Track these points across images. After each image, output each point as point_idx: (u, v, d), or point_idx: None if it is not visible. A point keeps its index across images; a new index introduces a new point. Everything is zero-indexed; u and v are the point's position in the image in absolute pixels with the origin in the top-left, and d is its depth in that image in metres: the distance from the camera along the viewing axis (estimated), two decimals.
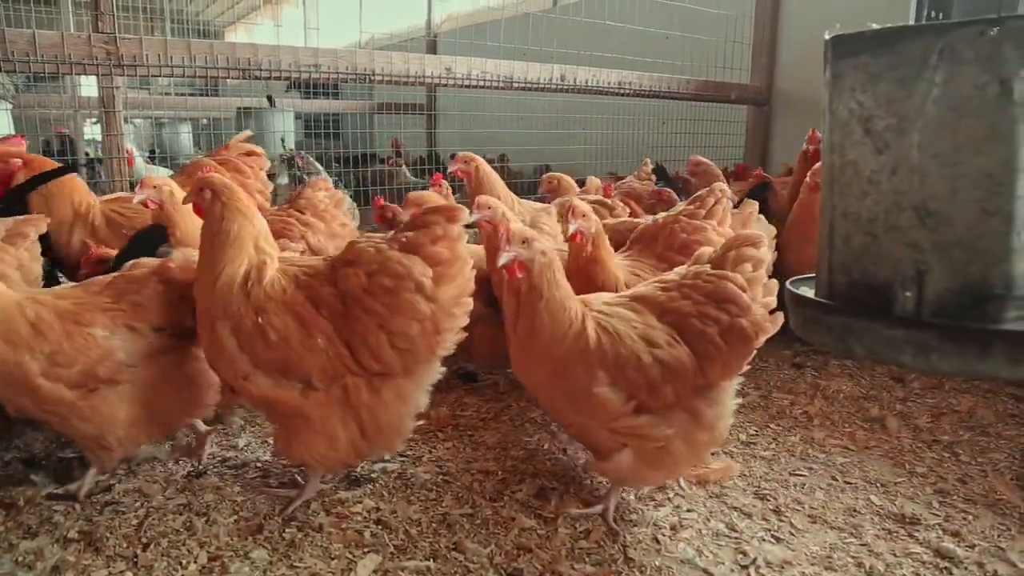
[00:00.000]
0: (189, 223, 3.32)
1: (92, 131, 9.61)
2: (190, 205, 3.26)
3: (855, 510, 2.58)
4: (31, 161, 3.69)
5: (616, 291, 2.84)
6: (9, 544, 2.30)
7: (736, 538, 2.40)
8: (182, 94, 10.03)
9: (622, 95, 6.40)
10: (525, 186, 7.64)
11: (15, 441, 2.95)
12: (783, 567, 2.25)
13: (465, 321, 2.47)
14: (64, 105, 8.55)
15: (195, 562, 2.22)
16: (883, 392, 3.66)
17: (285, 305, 2.37)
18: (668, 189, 5.01)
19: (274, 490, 2.65)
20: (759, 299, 2.38)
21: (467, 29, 10.28)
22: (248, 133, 4.53)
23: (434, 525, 2.43)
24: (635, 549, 2.33)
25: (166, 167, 8.11)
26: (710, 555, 2.31)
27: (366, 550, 2.29)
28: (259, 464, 2.86)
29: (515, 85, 5.71)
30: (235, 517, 2.47)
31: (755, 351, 2.36)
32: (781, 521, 2.51)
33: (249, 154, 4.29)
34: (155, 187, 3.28)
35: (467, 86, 5.50)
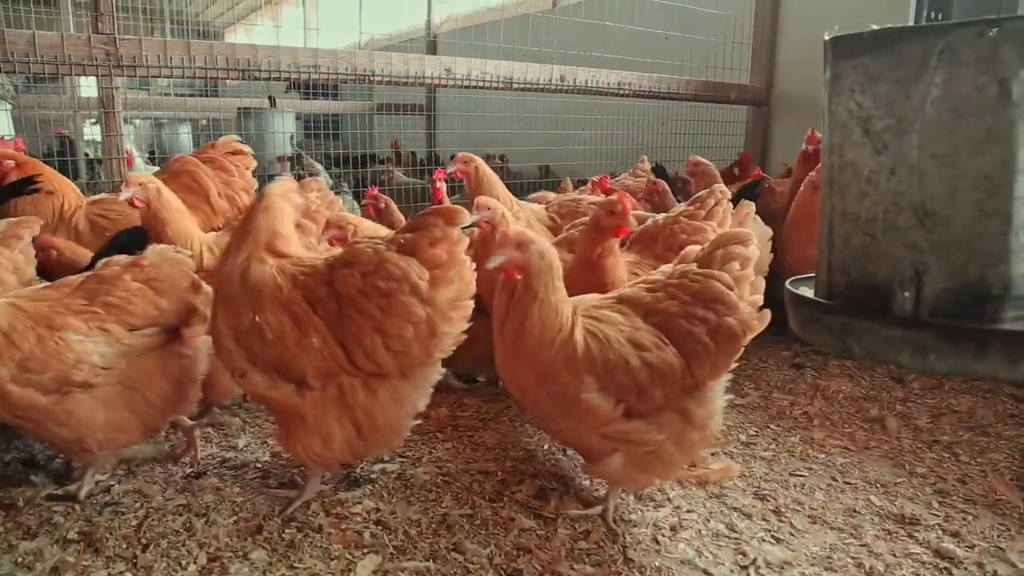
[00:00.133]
0: (180, 222, 3.32)
1: (92, 132, 9.62)
2: (179, 203, 3.25)
3: (855, 510, 2.58)
4: (24, 164, 3.67)
5: None
6: (9, 545, 2.30)
7: (736, 539, 2.40)
8: (182, 95, 10.03)
9: (622, 96, 6.40)
10: (525, 186, 7.64)
11: (15, 442, 2.95)
12: (783, 568, 2.25)
13: (464, 325, 2.44)
14: (64, 106, 8.56)
15: (195, 563, 2.22)
16: (883, 392, 3.66)
17: (281, 304, 2.37)
18: (661, 180, 5.02)
19: (274, 491, 2.65)
20: (746, 297, 2.37)
21: (467, 30, 10.28)
22: (234, 138, 4.52)
23: (434, 526, 2.43)
24: (635, 550, 2.33)
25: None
26: (710, 556, 2.31)
27: (366, 551, 2.29)
28: (259, 465, 2.86)
29: (515, 86, 5.71)
30: (234, 518, 2.47)
31: (743, 348, 2.35)
32: (781, 522, 2.51)
33: (235, 153, 4.27)
34: (140, 185, 3.23)
35: (467, 87, 5.50)
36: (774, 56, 7.18)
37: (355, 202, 6.22)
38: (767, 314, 2.38)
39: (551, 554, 2.28)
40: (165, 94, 10.04)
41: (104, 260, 2.67)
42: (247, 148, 4.35)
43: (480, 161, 4.10)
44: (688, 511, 2.56)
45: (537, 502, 2.59)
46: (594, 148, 7.63)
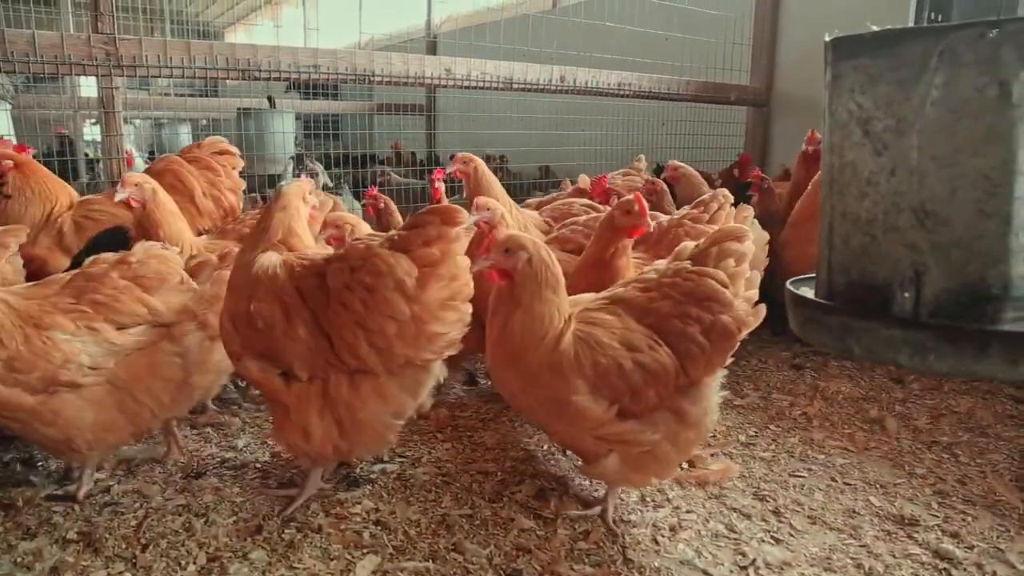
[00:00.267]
0: (173, 224, 3.27)
1: (92, 132, 9.61)
2: (173, 205, 3.24)
3: (854, 511, 2.58)
4: (22, 164, 3.63)
5: None
6: (8, 545, 2.30)
7: (735, 539, 2.40)
8: (182, 95, 10.02)
9: (622, 96, 6.40)
10: (525, 187, 7.65)
11: (14, 442, 2.95)
12: (782, 568, 2.25)
13: (459, 327, 2.43)
14: (64, 106, 8.55)
15: (194, 563, 2.22)
16: (882, 393, 3.66)
17: (275, 293, 2.41)
18: (660, 180, 5.02)
19: (274, 491, 2.65)
20: (741, 293, 2.37)
21: (467, 30, 10.28)
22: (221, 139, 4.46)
23: (433, 526, 2.43)
24: (634, 550, 2.33)
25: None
26: (709, 556, 2.31)
27: (365, 551, 2.29)
28: (258, 465, 2.86)
29: (515, 86, 5.70)
30: (234, 518, 2.47)
31: (738, 344, 2.35)
32: (780, 522, 2.51)
33: (222, 152, 4.22)
34: (137, 185, 3.19)
35: (467, 87, 5.50)
36: (774, 57, 7.18)
37: (355, 202, 6.22)
38: (762, 309, 2.37)
39: (551, 554, 2.28)
40: (165, 94, 10.03)
41: (92, 258, 2.64)
42: (234, 148, 4.30)
43: (480, 161, 4.09)
44: (687, 511, 2.56)
45: (537, 502, 2.59)
46: (594, 149, 7.63)
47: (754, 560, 2.28)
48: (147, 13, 10.22)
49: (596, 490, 2.68)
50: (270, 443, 3.03)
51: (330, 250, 3.45)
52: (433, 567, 2.22)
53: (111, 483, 2.68)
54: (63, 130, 8.98)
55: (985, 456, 2.99)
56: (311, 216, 3.37)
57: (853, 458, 2.98)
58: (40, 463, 2.85)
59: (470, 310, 2.46)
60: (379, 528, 2.42)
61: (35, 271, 3.21)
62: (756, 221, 3.78)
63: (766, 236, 3.71)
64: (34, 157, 4.15)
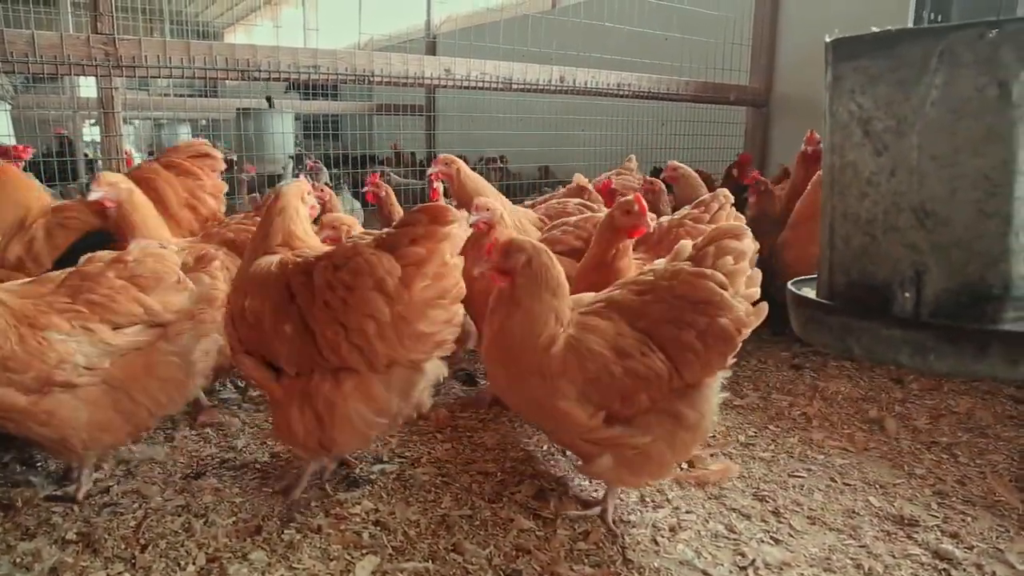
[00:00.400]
0: (151, 226, 3.21)
1: (91, 132, 9.62)
2: (151, 206, 3.23)
3: (854, 511, 2.58)
4: (2, 171, 3.52)
5: None
6: (7, 546, 2.29)
7: (735, 539, 2.40)
8: (181, 95, 10.03)
9: (621, 96, 6.40)
10: (525, 187, 7.65)
11: (13, 442, 2.94)
12: (782, 568, 2.25)
13: (450, 328, 2.44)
14: (63, 106, 8.55)
15: (193, 563, 2.21)
16: (882, 393, 3.66)
17: (264, 290, 2.46)
18: (658, 180, 5.03)
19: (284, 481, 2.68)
20: (742, 291, 2.33)
21: (466, 30, 10.29)
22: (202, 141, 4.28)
23: (433, 526, 2.43)
24: (634, 550, 2.33)
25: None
26: (709, 556, 2.31)
27: (365, 551, 2.29)
28: (258, 466, 2.86)
29: (514, 86, 5.70)
30: (233, 518, 2.46)
31: (739, 346, 2.31)
32: (780, 522, 2.51)
33: (201, 156, 4.00)
34: (111, 184, 3.13)
35: (466, 87, 5.50)
36: (773, 57, 7.18)
37: (355, 201, 6.22)
38: (764, 308, 2.33)
39: (550, 555, 2.28)
40: (164, 94, 10.04)
41: (87, 256, 2.62)
42: (214, 151, 4.07)
43: (462, 163, 4.08)
44: (687, 512, 2.56)
45: (536, 503, 2.59)
46: (593, 149, 7.64)
47: (754, 560, 2.27)
48: (146, 13, 10.23)
49: (596, 490, 2.68)
50: (269, 443, 3.03)
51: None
52: (433, 567, 2.21)
53: (110, 484, 2.68)
54: (62, 130, 8.97)
55: (985, 456, 2.99)
56: (311, 213, 3.37)
57: (852, 458, 2.98)
58: (39, 463, 2.84)
59: (460, 310, 2.46)
60: (379, 528, 2.42)
61: (3, 279, 3.12)
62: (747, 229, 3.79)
63: (756, 246, 3.73)
64: (33, 157, 4.13)
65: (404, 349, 2.38)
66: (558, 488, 2.69)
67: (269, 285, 2.48)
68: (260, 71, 4.58)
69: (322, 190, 4.44)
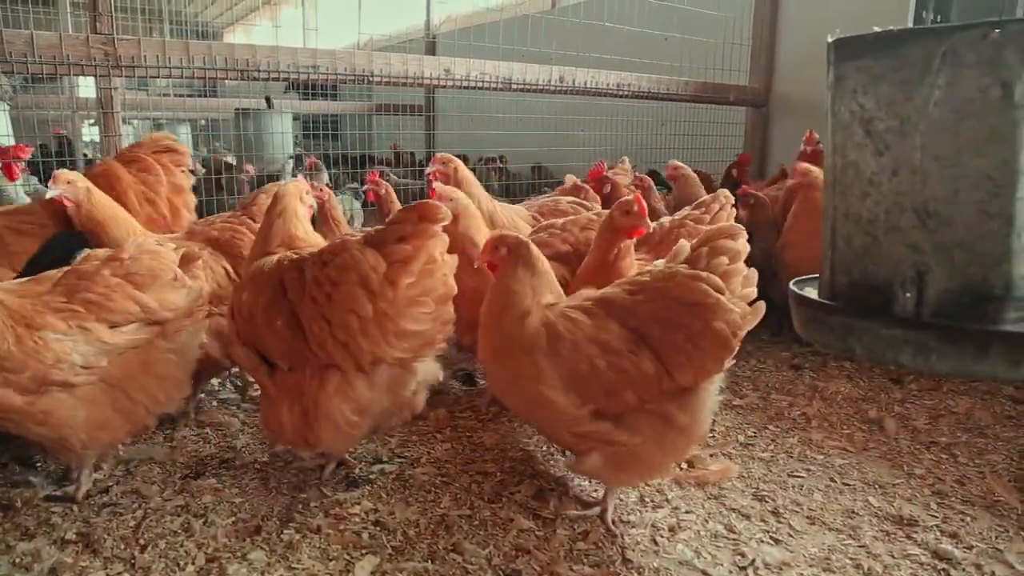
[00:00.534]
0: (121, 223, 3.15)
1: (90, 132, 9.62)
2: (111, 201, 3.20)
3: (853, 511, 2.58)
4: None
5: None
6: (6, 546, 2.29)
7: (734, 539, 2.40)
8: (180, 95, 10.02)
9: (621, 96, 6.40)
10: (525, 187, 7.65)
11: (13, 442, 2.94)
12: (781, 568, 2.25)
13: (438, 326, 2.47)
14: (62, 106, 8.54)
15: (193, 563, 2.21)
16: (881, 394, 3.66)
17: (259, 285, 2.51)
18: (647, 177, 5.06)
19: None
20: (737, 291, 2.28)
21: (466, 30, 10.28)
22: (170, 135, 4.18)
23: (432, 526, 2.43)
24: (633, 550, 2.33)
25: (194, 173, 8.10)
26: (708, 556, 2.31)
27: (364, 551, 2.28)
28: (257, 466, 2.85)
29: (514, 86, 5.71)
30: (233, 518, 2.46)
31: (736, 348, 2.26)
32: (779, 522, 2.51)
33: (167, 151, 3.88)
34: (69, 183, 3.07)
35: (466, 87, 5.50)
36: (773, 58, 7.19)
37: (355, 201, 6.22)
38: (760, 308, 2.29)
39: (550, 555, 2.28)
40: (164, 94, 10.03)
41: (84, 254, 2.61)
42: (179, 145, 3.96)
43: (459, 162, 4.09)
44: (687, 512, 2.56)
45: (536, 503, 2.59)
46: (593, 149, 7.63)
47: (753, 560, 2.27)
48: (146, 13, 10.22)
49: (595, 491, 2.68)
50: (269, 443, 3.02)
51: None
52: (432, 567, 2.21)
53: (110, 484, 2.67)
54: (61, 130, 8.97)
55: (984, 456, 3.00)
56: (308, 212, 3.38)
57: (852, 458, 2.98)
58: (39, 464, 2.84)
59: (449, 309, 2.49)
60: (378, 528, 2.41)
61: None
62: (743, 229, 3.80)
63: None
64: (33, 157, 4.11)
65: (389, 346, 2.40)
66: (558, 488, 2.69)
67: (263, 280, 2.53)
68: (259, 71, 4.58)
69: (321, 190, 4.44)
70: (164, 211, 3.73)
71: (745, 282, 2.32)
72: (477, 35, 7.31)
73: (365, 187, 4.67)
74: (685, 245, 2.46)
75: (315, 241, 2.77)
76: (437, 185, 3.27)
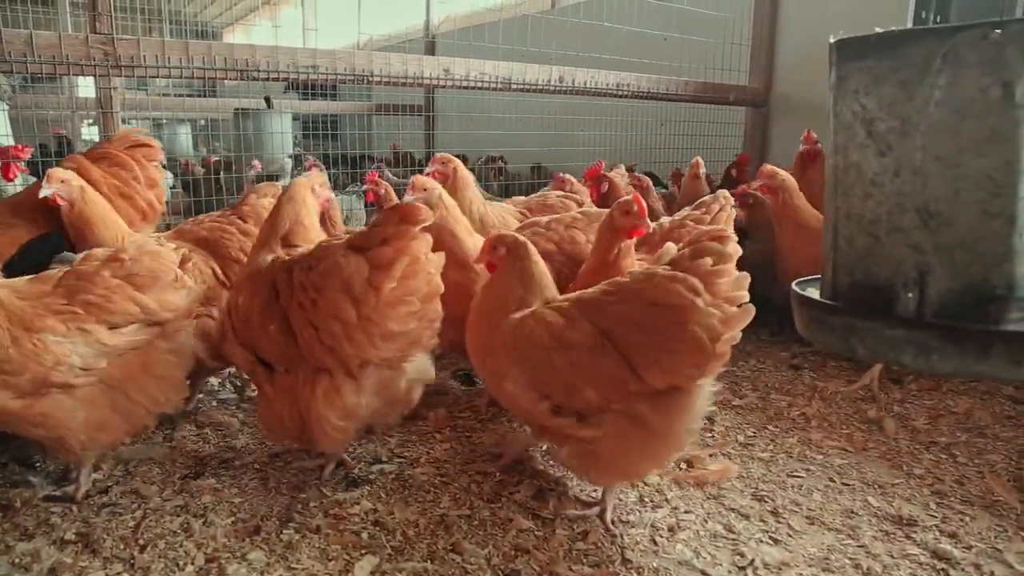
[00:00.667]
0: (105, 228, 3.12)
1: (89, 132, 9.60)
2: (104, 201, 3.19)
3: (853, 511, 2.58)
4: None
5: None
6: (6, 546, 2.29)
7: (734, 539, 2.40)
8: (180, 95, 10.01)
9: (620, 96, 6.40)
10: (525, 187, 7.64)
11: (12, 442, 2.93)
12: (781, 568, 2.25)
13: (425, 326, 2.49)
14: (61, 106, 8.54)
15: (192, 564, 2.21)
16: (880, 393, 3.66)
17: (254, 287, 2.53)
18: (646, 177, 5.06)
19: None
20: (722, 293, 2.16)
21: (465, 30, 10.27)
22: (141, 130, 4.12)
23: (432, 526, 2.43)
24: (633, 550, 2.33)
25: (164, 168, 8.10)
26: (708, 556, 2.31)
27: (363, 551, 2.28)
28: (257, 466, 2.85)
29: (513, 86, 5.70)
30: (232, 519, 2.46)
31: (719, 353, 2.15)
32: (779, 522, 2.51)
33: (138, 146, 3.78)
34: (63, 181, 3.04)
35: (465, 87, 5.49)
36: (772, 58, 7.18)
37: (356, 202, 6.22)
38: (746, 312, 2.16)
39: (549, 555, 2.28)
40: (163, 94, 10.02)
41: (84, 254, 2.59)
42: (151, 140, 3.87)
43: (458, 163, 4.09)
44: (686, 512, 2.56)
45: (535, 503, 2.59)
46: (593, 149, 7.63)
47: (752, 560, 2.27)
48: (145, 13, 10.20)
49: (595, 490, 2.68)
50: (268, 444, 3.02)
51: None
52: (431, 567, 2.21)
53: (109, 484, 2.67)
54: (61, 130, 8.96)
55: (983, 456, 3.00)
56: (322, 206, 3.38)
57: (851, 458, 2.98)
58: (38, 464, 2.84)
59: (436, 307, 2.51)
60: (377, 528, 2.41)
61: None
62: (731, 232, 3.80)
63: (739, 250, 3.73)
64: (32, 157, 4.09)
65: (375, 349, 2.42)
66: (557, 488, 2.69)
67: (258, 282, 2.55)
68: (259, 71, 4.57)
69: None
70: (142, 206, 3.67)
71: (734, 285, 2.20)
72: (476, 35, 7.31)
73: (364, 187, 4.66)
74: (672, 247, 2.44)
75: (316, 236, 2.79)
76: (416, 178, 3.26)
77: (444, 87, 5.66)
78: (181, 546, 2.29)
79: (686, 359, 2.16)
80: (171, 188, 7.80)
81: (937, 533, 2.45)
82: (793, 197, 4.01)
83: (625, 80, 6.26)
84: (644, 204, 2.92)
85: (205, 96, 10.91)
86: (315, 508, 2.53)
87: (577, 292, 2.50)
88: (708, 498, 2.67)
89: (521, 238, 2.54)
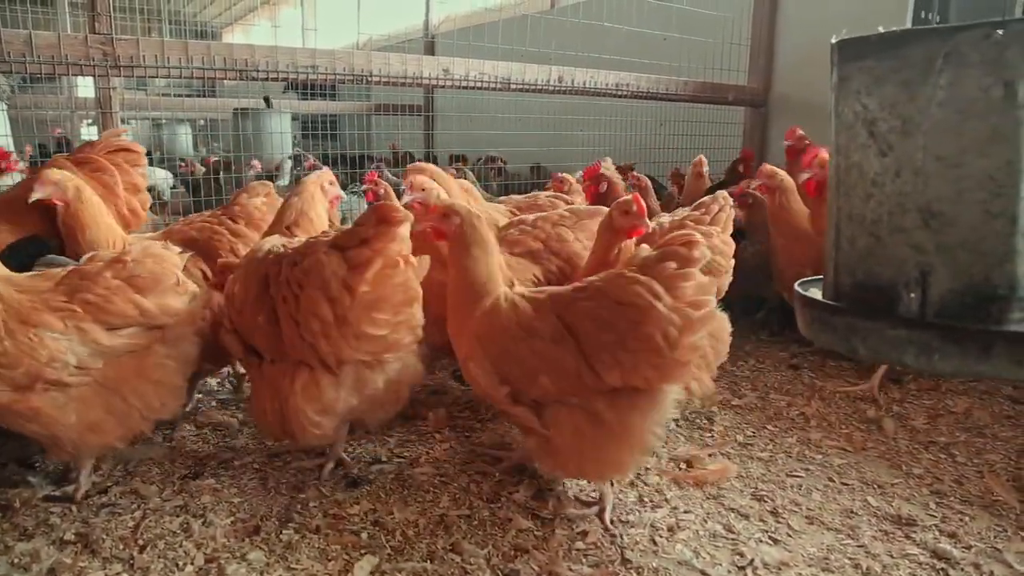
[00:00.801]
0: (101, 223, 3.11)
1: (88, 132, 9.60)
2: (100, 202, 3.21)
3: (852, 511, 2.58)
4: None
5: None
6: (5, 546, 2.29)
7: (733, 539, 2.40)
8: (179, 95, 10.01)
9: (620, 96, 6.40)
10: (526, 187, 7.64)
11: (11, 442, 2.93)
12: (780, 568, 2.25)
13: (402, 329, 2.50)
14: (61, 106, 8.54)
15: (192, 564, 2.21)
16: (880, 393, 3.66)
17: (248, 277, 2.58)
18: (645, 177, 5.07)
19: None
20: (685, 298, 2.17)
21: (465, 30, 10.28)
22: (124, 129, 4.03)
23: (431, 526, 2.43)
24: (632, 550, 2.33)
25: (164, 168, 8.11)
26: (707, 556, 2.31)
27: (363, 551, 2.28)
28: (256, 466, 2.85)
29: (513, 86, 5.70)
30: (232, 519, 2.46)
31: (679, 358, 2.16)
32: (778, 522, 2.51)
33: (121, 150, 3.66)
34: (56, 183, 3.00)
35: (465, 87, 5.49)
36: (772, 58, 7.19)
37: (357, 203, 6.22)
38: (708, 317, 2.18)
39: (548, 555, 2.28)
40: (163, 94, 10.02)
41: (89, 255, 2.59)
42: (133, 144, 3.75)
43: (436, 169, 4.09)
44: (685, 512, 2.56)
45: (535, 503, 2.59)
46: (592, 149, 7.63)
47: (752, 560, 2.27)
48: (144, 13, 10.19)
49: (594, 490, 2.68)
50: (268, 444, 3.02)
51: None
52: (431, 567, 2.21)
53: (108, 484, 2.67)
54: (60, 130, 8.95)
55: (982, 456, 3.00)
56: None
57: (851, 458, 2.98)
58: (37, 464, 2.83)
59: (415, 314, 2.52)
60: (377, 528, 2.41)
61: None
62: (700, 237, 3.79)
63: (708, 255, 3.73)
64: (31, 157, 4.08)
65: (350, 349, 2.45)
66: (556, 488, 2.69)
67: (252, 272, 2.58)
68: (258, 71, 4.57)
69: None
70: (124, 211, 3.58)
71: (698, 290, 2.20)
72: (476, 35, 7.31)
73: (364, 187, 4.66)
74: (645, 249, 2.43)
75: (320, 227, 2.86)
76: (415, 178, 3.25)
77: (443, 87, 5.66)
78: (180, 546, 2.29)
79: (643, 359, 2.19)
80: (172, 188, 7.82)
81: (936, 533, 2.45)
82: (789, 199, 4.02)
83: (624, 80, 6.26)
84: (643, 204, 2.92)
85: (204, 96, 10.91)
86: (314, 508, 2.52)
87: (553, 287, 2.56)
88: (707, 498, 2.67)
89: (472, 209, 2.56)
